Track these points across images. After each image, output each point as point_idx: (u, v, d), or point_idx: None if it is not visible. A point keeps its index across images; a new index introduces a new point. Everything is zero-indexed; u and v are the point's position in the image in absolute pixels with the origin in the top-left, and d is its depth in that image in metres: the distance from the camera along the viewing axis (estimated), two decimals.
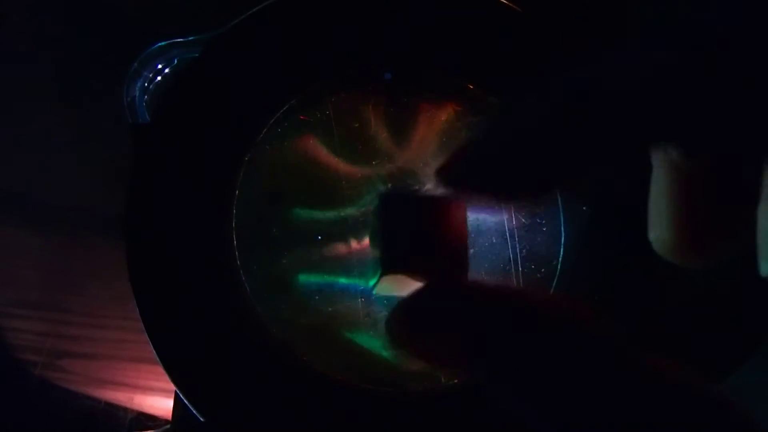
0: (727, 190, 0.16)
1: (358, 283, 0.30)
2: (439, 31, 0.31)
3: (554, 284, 0.31)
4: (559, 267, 0.31)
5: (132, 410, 0.35)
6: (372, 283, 0.19)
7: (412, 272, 0.17)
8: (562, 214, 0.31)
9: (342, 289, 0.30)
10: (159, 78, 0.30)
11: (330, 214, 0.30)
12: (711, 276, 0.29)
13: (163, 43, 0.30)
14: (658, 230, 0.17)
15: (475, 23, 0.31)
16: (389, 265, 0.18)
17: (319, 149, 0.31)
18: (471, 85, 0.31)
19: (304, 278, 0.30)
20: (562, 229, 0.31)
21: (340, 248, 0.30)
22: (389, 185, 0.31)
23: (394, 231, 0.18)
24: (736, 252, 0.17)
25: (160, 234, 0.28)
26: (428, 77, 0.31)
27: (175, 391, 0.28)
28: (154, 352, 0.27)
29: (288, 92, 0.31)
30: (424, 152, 0.31)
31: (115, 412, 0.35)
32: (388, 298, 0.29)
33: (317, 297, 0.30)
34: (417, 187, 0.30)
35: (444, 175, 0.16)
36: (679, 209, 0.16)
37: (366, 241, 0.30)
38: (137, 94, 0.30)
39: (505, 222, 0.31)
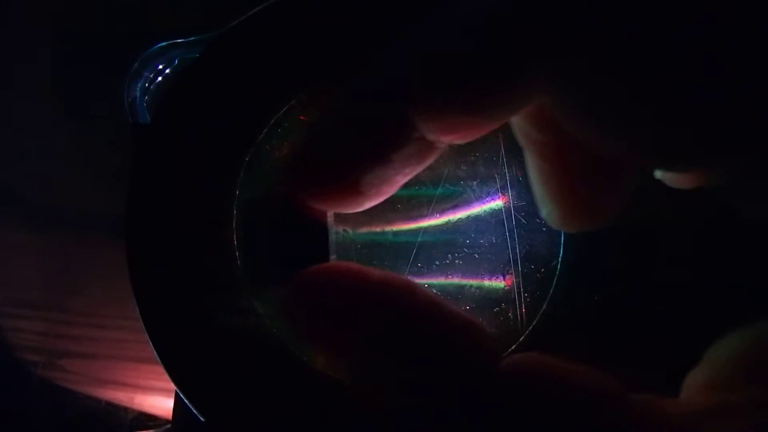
0: (588, 154, 0.16)
1: None
2: None
3: (554, 284, 0.31)
4: (558, 267, 0.31)
5: (132, 410, 0.35)
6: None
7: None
8: None
9: None
10: (159, 78, 0.30)
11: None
12: (710, 276, 0.29)
13: (163, 44, 0.30)
14: (547, 206, 0.18)
15: None
16: (255, 281, 0.18)
17: None
18: None
19: None
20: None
21: (339, 248, 0.30)
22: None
23: (254, 242, 0.18)
24: (619, 208, 0.18)
25: (160, 234, 0.29)
26: None
27: (176, 391, 0.28)
28: (154, 352, 0.27)
29: (288, 92, 0.31)
30: None
31: (116, 411, 0.35)
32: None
33: None
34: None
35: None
36: (556, 181, 0.17)
37: (363, 239, 0.30)
38: (138, 95, 0.30)
39: (505, 222, 0.31)
